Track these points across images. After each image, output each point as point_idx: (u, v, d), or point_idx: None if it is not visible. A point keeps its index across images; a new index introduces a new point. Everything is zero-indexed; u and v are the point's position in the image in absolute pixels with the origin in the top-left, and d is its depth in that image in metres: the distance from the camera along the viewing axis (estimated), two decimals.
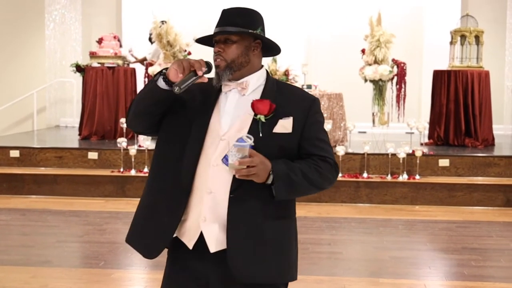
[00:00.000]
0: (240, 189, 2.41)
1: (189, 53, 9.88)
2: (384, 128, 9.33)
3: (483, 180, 8.39)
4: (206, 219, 2.44)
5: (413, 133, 9.44)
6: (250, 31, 2.48)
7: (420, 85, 12.46)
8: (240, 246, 2.42)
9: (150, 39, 10.79)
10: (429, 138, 10.02)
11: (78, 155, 9.01)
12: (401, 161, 8.38)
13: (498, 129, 11.08)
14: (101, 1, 13.59)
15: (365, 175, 8.44)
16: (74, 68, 10.91)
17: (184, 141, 2.49)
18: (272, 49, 2.60)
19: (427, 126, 9.89)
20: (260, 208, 2.44)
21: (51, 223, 7.15)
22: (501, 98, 12.31)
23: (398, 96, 9.38)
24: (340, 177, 8.36)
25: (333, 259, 5.90)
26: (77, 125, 11.15)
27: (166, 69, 2.47)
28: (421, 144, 9.48)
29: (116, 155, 8.85)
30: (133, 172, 8.55)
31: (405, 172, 8.40)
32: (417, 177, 8.37)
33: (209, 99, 2.53)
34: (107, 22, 13.45)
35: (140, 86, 10.96)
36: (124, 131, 9.89)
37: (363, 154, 8.55)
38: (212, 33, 2.53)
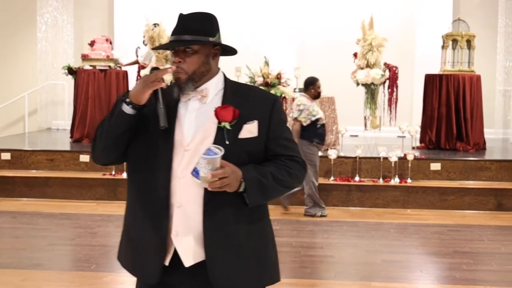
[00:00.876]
0: (214, 201, 2.35)
1: None
2: (376, 131, 9.35)
3: (475, 184, 8.41)
4: (178, 234, 2.38)
5: (404, 137, 9.46)
6: (210, 39, 2.41)
7: (412, 89, 12.51)
8: (219, 256, 2.37)
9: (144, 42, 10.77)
10: (420, 142, 10.04)
11: (70, 158, 8.99)
12: (392, 165, 8.40)
13: (489, 133, 11.12)
14: (93, 4, 13.57)
15: (357, 178, 8.45)
16: (66, 71, 10.90)
17: (154, 157, 2.41)
18: (228, 50, 2.54)
19: (419, 130, 9.93)
20: (234, 216, 2.39)
21: (42, 226, 7.13)
22: (493, 102, 12.36)
23: (390, 100, 9.40)
24: (332, 180, 8.39)
25: (325, 262, 5.90)
26: (69, 127, 11.12)
27: (124, 95, 2.39)
28: (413, 148, 9.51)
29: None
30: (124, 175, 8.52)
31: (396, 175, 8.42)
32: (409, 180, 8.39)
33: (169, 110, 2.41)
34: (99, 25, 13.42)
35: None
36: None
37: (355, 157, 8.56)
38: (174, 39, 2.42)
